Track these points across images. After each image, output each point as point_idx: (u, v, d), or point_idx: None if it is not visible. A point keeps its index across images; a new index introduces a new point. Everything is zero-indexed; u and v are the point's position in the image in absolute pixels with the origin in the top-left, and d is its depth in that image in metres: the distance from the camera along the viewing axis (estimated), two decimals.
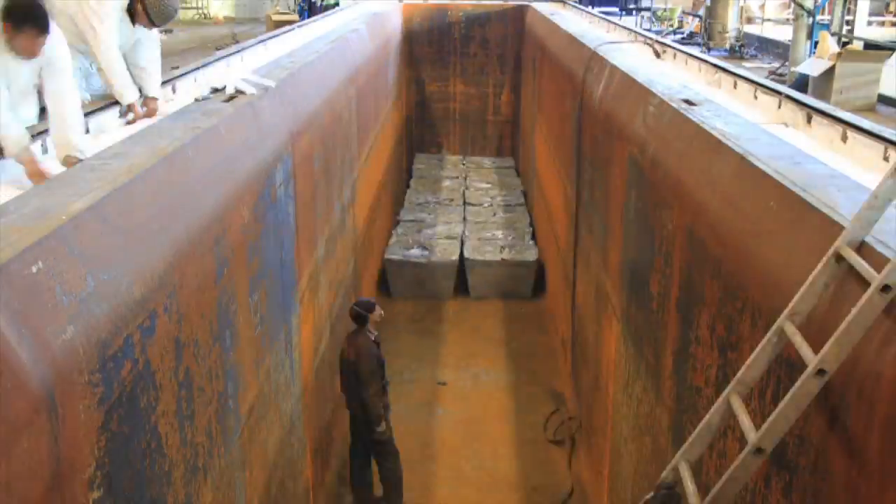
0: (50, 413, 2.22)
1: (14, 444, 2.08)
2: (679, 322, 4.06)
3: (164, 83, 5.11)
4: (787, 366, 2.67)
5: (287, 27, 9.70)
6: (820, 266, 2.43)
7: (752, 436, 2.38)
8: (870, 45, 14.78)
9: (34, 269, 2.34)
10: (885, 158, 3.51)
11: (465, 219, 12.23)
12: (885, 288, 2.14)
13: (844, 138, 3.79)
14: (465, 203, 12.99)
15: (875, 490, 2.16)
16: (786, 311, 2.48)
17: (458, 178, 14.50)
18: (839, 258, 2.39)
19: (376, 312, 6.33)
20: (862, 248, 2.39)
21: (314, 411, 6.16)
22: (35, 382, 2.17)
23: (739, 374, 2.59)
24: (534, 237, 11.45)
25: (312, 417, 6.08)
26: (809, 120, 4.15)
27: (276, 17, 23.31)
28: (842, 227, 2.54)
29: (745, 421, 2.38)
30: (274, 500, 4.86)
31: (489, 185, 14.06)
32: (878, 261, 2.28)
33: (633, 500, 5.03)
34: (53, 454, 2.23)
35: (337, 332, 7.22)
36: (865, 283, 2.21)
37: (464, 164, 15.50)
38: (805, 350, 2.33)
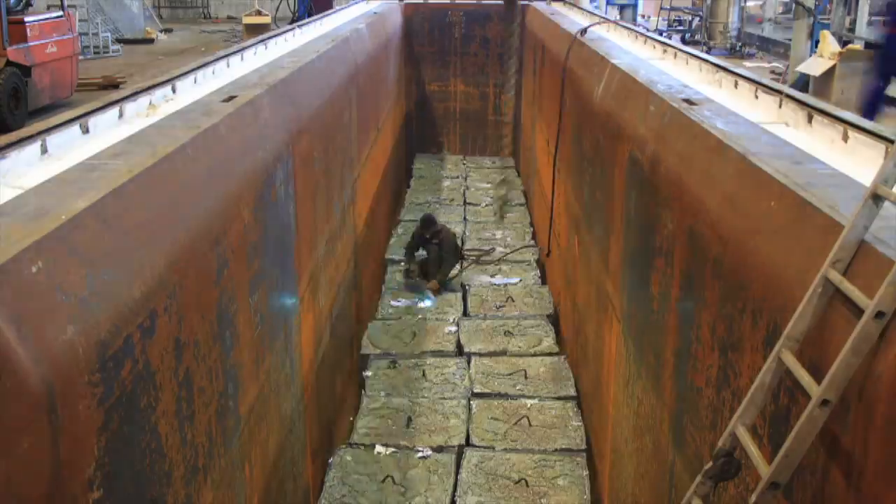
0: (50, 413, 2.22)
1: (14, 445, 2.08)
2: (680, 322, 4.06)
3: (163, 83, 5.11)
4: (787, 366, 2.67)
5: (287, 27, 9.69)
6: (811, 290, 2.42)
7: (764, 471, 2.38)
8: (871, 45, 14.79)
9: (34, 269, 2.34)
10: (887, 157, 3.50)
11: (465, 219, 12.24)
12: (879, 314, 2.13)
13: (845, 138, 3.78)
14: (465, 203, 12.99)
15: (876, 490, 2.16)
16: (782, 338, 2.48)
17: (458, 177, 14.51)
18: (829, 282, 2.38)
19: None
20: (851, 266, 2.38)
21: (314, 411, 6.16)
22: (35, 382, 2.17)
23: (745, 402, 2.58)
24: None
25: (313, 417, 6.08)
26: (810, 119, 4.15)
27: (247, 21, 23.18)
28: (842, 227, 2.54)
29: (803, 376, 2.35)
30: (274, 501, 4.86)
31: (489, 185, 14.07)
32: (871, 273, 2.28)
33: (634, 501, 5.03)
34: (53, 454, 2.23)
35: (337, 332, 7.22)
36: (857, 307, 2.21)
37: (464, 164, 15.51)
38: (806, 380, 2.32)
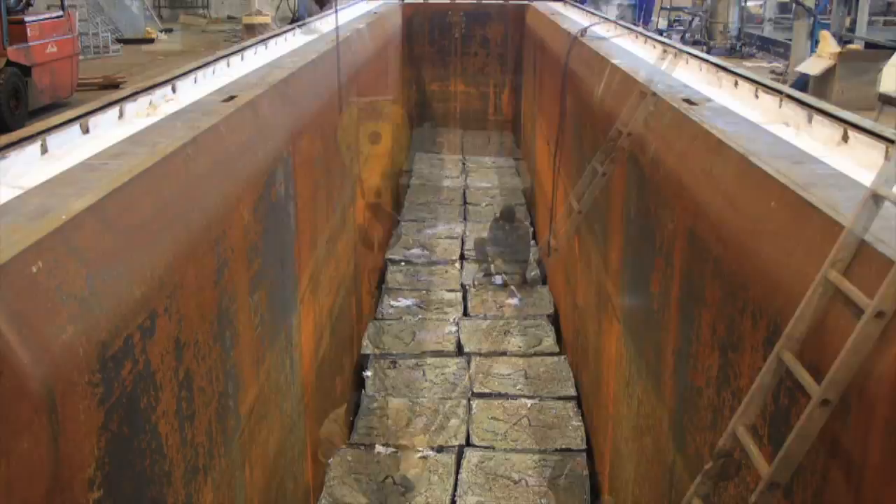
0: (50, 413, 2.22)
1: (14, 445, 2.08)
2: (680, 322, 4.06)
3: (164, 83, 5.11)
4: (787, 366, 2.67)
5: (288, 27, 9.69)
6: (811, 290, 2.43)
7: (764, 472, 2.39)
8: (872, 45, 14.80)
9: (34, 269, 2.34)
10: (887, 158, 3.50)
11: (465, 218, 12.24)
12: (880, 314, 2.13)
13: (846, 138, 3.78)
14: (465, 202, 12.99)
15: (876, 490, 2.15)
16: (782, 339, 2.49)
17: (458, 177, 14.51)
18: (829, 282, 2.39)
19: None
20: (851, 266, 2.38)
21: (315, 411, 6.16)
22: (35, 383, 2.17)
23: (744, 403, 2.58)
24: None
25: (313, 417, 6.08)
26: (810, 119, 4.15)
27: (246, 21, 23.09)
28: (842, 227, 2.54)
29: (803, 376, 2.37)
30: (274, 501, 4.85)
31: (489, 185, 14.06)
32: (871, 273, 2.27)
33: (634, 500, 5.03)
34: (53, 454, 2.23)
35: (337, 332, 7.22)
36: (857, 307, 2.22)
37: (464, 164, 15.50)
38: (807, 380, 2.32)
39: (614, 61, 6.61)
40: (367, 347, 8.31)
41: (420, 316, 9.06)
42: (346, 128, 7.88)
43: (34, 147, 3.50)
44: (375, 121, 10.58)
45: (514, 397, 7.38)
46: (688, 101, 4.77)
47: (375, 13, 12.97)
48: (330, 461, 6.44)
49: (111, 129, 4.12)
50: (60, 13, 15.43)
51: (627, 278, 5.36)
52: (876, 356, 2.16)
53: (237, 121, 4.49)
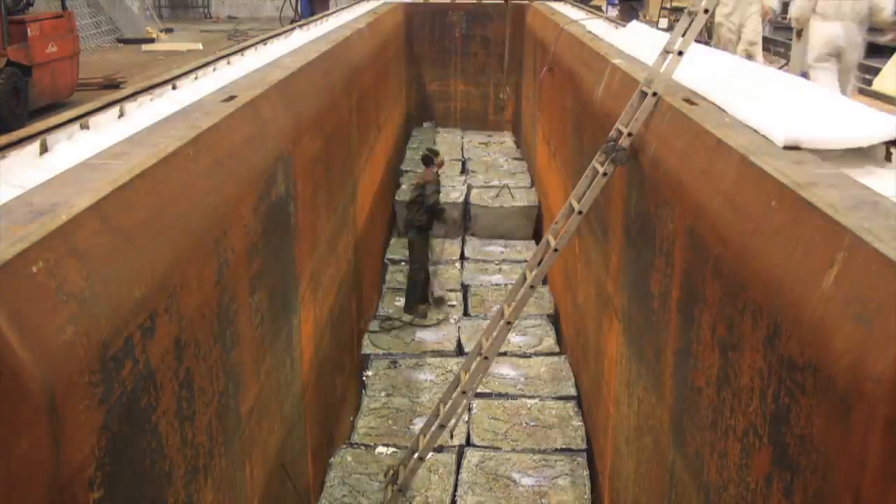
0: (50, 413, 2.22)
1: (14, 445, 2.08)
2: (680, 322, 4.06)
3: (164, 82, 5.11)
4: (787, 366, 2.67)
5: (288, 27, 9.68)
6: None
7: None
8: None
9: (34, 269, 2.34)
10: (887, 158, 3.51)
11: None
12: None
13: None
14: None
15: (876, 491, 2.16)
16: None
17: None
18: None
19: (440, 158, 10.07)
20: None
21: (315, 411, 6.17)
22: (35, 383, 2.17)
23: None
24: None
25: (313, 417, 6.08)
26: None
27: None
28: (842, 227, 2.54)
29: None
30: (274, 501, 4.86)
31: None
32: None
33: (634, 500, 5.03)
34: (53, 454, 2.23)
35: (338, 332, 7.22)
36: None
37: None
38: None
39: (614, 60, 6.61)
40: (368, 347, 8.31)
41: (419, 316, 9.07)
42: (347, 127, 7.89)
43: (34, 146, 3.51)
44: (375, 120, 10.58)
45: (515, 397, 7.38)
46: (688, 100, 4.77)
47: (376, 13, 12.98)
48: (330, 461, 6.45)
49: (111, 128, 4.12)
50: (60, 13, 15.43)
51: (627, 278, 5.36)
52: (876, 356, 2.16)
53: (237, 121, 4.49)
